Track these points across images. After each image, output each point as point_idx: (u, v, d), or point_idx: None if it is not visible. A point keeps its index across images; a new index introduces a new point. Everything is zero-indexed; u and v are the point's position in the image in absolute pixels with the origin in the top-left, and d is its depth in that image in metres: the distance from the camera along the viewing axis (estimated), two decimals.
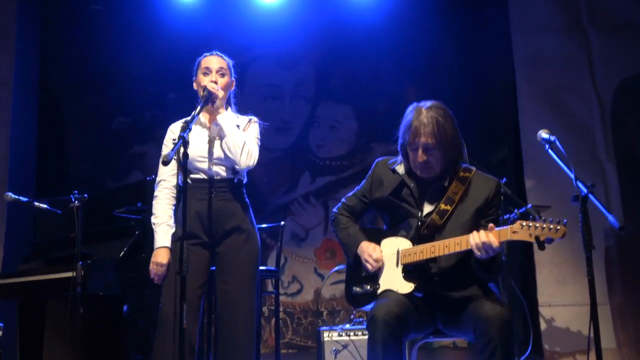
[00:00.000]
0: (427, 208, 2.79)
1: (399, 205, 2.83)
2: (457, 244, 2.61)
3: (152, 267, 3.00)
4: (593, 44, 5.08)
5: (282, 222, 4.33)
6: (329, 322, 5.46)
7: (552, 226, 2.43)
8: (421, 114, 2.68)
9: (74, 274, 3.36)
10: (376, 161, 2.98)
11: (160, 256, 2.99)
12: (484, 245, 2.51)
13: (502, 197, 3.05)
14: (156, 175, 3.17)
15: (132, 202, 3.89)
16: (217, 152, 3.05)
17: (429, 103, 2.73)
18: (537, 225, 2.44)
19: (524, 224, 2.46)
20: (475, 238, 2.53)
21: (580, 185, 2.55)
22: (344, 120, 5.94)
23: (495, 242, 2.50)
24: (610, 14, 5.09)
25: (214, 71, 3.10)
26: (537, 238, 2.44)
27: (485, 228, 2.56)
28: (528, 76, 5.13)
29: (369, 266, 2.83)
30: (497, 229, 2.53)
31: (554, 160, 2.74)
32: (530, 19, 5.18)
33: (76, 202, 3.47)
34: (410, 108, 2.76)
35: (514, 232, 2.48)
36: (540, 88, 5.08)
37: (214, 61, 3.13)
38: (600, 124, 4.95)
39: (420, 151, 2.68)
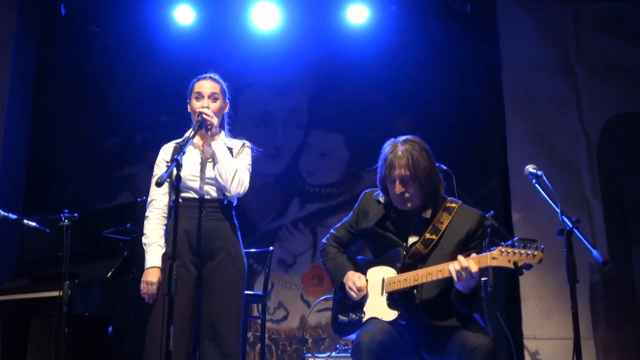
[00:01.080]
0: (412, 239, 2.85)
1: (384, 235, 2.89)
2: (440, 271, 2.66)
3: (142, 286, 3.01)
4: (581, 83, 5.20)
5: (271, 248, 4.34)
6: (314, 350, 5.43)
7: (529, 252, 2.50)
8: (396, 148, 2.76)
9: (61, 293, 3.34)
10: (363, 193, 3.06)
11: (151, 275, 3.00)
12: (464, 270, 2.55)
13: (485, 230, 3.11)
14: (147, 197, 3.19)
15: (121, 222, 3.88)
16: (209, 173, 3.08)
17: (404, 137, 2.82)
18: (516, 251, 2.52)
19: (503, 250, 2.54)
20: (456, 265, 2.58)
21: (565, 219, 2.61)
22: (335, 149, 5.98)
23: (474, 267, 2.55)
24: (598, 55, 5.22)
25: (206, 96, 3.13)
26: (515, 264, 2.51)
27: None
28: (517, 111, 5.22)
29: (352, 294, 2.88)
30: (477, 255, 2.60)
31: (540, 195, 2.81)
32: (520, 55, 5.30)
33: (66, 221, 3.46)
34: (387, 143, 2.85)
35: (493, 258, 2.55)
36: (528, 123, 5.17)
37: (206, 86, 3.16)
38: (586, 161, 5.04)
39: (397, 183, 2.75)
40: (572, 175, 4.99)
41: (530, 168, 2.87)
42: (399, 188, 2.74)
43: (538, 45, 5.29)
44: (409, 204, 2.79)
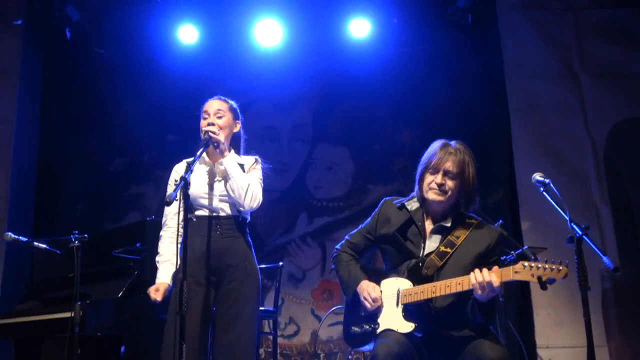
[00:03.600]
0: (429, 248, 2.85)
1: (403, 243, 2.89)
2: (459, 283, 2.64)
3: (150, 294, 3.05)
4: (585, 90, 5.20)
5: (281, 263, 4.34)
6: None
7: (554, 267, 2.48)
8: (450, 146, 2.87)
9: (73, 314, 3.34)
10: (383, 199, 3.08)
11: (156, 286, 3.04)
12: (487, 285, 2.54)
13: (502, 248, 3.11)
14: (156, 216, 3.21)
15: (131, 242, 3.88)
16: (221, 190, 3.10)
17: (457, 141, 2.92)
18: (540, 265, 2.49)
19: (526, 264, 2.51)
20: (478, 277, 2.57)
21: (575, 227, 2.60)
22: (341, 162, 6.00)
23: (496, 282, 2.54)
24: (600, 63, 5.23)
25: (211, 114, 3.18)
26: (539, 278, 2.49)
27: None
28: (522, 121, 5.22)
29: (367, 304, 2.86)
30: (499, 269, 2.58)
31: (549, 203, 2.80)
32: (523, 65, 5.31)
33: (76, 242, 3.47)
34: (437, 141, 2.93)
35: (515, 272, 2.53)
36: (534, 133, 5.17)
37: (212, 105, 3.23)
38: (594, 168, 5.03)
39: (440, 174, 2.82)
40: (580, 183, 4.98)
41: (538, 176, 2.86)
42: (440, 178, 2.81)
43: (541, 54, 5.30)
44: (441, 197, 2.83)
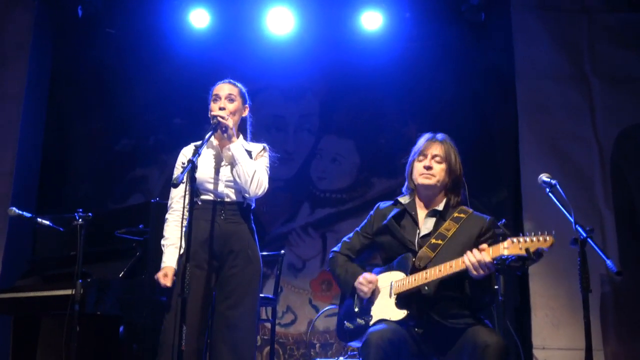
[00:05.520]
0: (424, 230, 2.94)
1: (398, 230, 2.97)
2: (450, 266, 2.70)
3: (159, 278, 3.05)
4: (595, 93, 5.18)
5: (282, 251, 4.36)
6: (321, 355, 5.43)
7: (540, 238, 2.53)
8: (436, 136, 3.06)
9: (73, 292, 3.36)
10: (377, 204, 3.20)
11: (164, 271, 3.05)
12: (479, 263, 2.60)
13: (496, 234, 3.13)
14: (159, 198, 3.22)
15: (134, 223, 3.90)
16: (227, 175, 3.11)
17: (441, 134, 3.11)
18: (527, 239, 2.56)
19: (515, 240, 2.58)
20: (471, 257, 2.63)
21: (579, 229, 2.61)
22: (346, 154, 5.99)
23: (487, 258, 2.61)
24: (611, 65, 5.20)
25: (222, 97, 3.18)
26: (527, 250, 2.54)
27: None
28: (530, 121, 5.20)
29: (363, 288, 2.90)
30: (489, 246, 2.65)
31: (553, 204, 2.82)
32: (534, 65, 5.28)
33: (80, 220, 3.48)
34: (423, 135, 3.13)
35: (505, 247, 2.59)
36: (542, 133, 5.16)
37: (223, 88, 3.23)
38: (599, 172, 5.01)
39: (428, 157, 2.98)
40: (585, 186, 4.97)
41: (544, 177, 2.87)
42: (428, 162, 2.97)
43: (552, 55, 5.28)
44: (431, 180, 2.96)
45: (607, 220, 4.88)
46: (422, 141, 3.08)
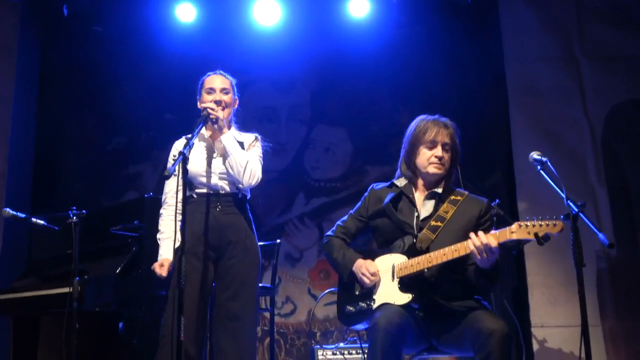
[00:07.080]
0: (425, 213, 2.91)
1: (395, 214, 2.93)
2: (455, 250, 2.67)
3: (155, 270, 3.07)
4: (584, 73, 5.18)
5: (278, 240, 4.37)
6: (322, 343, 5.44)
7: (549, 222, 2.52)
8: (440, 120, 2.96)
9: (71, 290, 3.36)
10: (371, 186, 3.15)
11: (160, 262, 3.06)
12: (484, 247, 2.57)
13: (493, 218, 3.15)
14: (154, 193, 3.23)
15: (129, 219, 3.89)
16: (221, 167, 3.11)
17: (441, 116, 3.02)
18: (535, 223, 2.53)
19: (522, 223, 2.55)
20: (476, 241, 2.60)
21: (571, 204, 2.62)
22: (339, 143, 6.00)
23: (493, 242, 2.58)
24: (600, 45, 5.21)
25: (217, 90, 3.18)
26: (536, 235, 2.52)
27: None
28: (521, 104, 5.21)
29: (366, 280, 2.88)
30: (496, 231, 2.61)
31: (546, 185, 2.83)
32: (523, 48, 5.28)
33: (74, 217, 3.48)
34: (423, 116, 3.01)
35: (512, 232, 2.56)
36: (532, 115, 5.17)
37: (217, 81, 3.22)
38: (591, 150, 5.03)
39: (439, 147, 2.90)
40: (577, 165, 4.99)
41: (535, 155, 2.89)
42: (441, 152, 2.90)
43: (540, 37, 5.28)
44: (442, 170, 2.93)
45: (600, 197, 4.90)
46: (429, 126, 2.94)
